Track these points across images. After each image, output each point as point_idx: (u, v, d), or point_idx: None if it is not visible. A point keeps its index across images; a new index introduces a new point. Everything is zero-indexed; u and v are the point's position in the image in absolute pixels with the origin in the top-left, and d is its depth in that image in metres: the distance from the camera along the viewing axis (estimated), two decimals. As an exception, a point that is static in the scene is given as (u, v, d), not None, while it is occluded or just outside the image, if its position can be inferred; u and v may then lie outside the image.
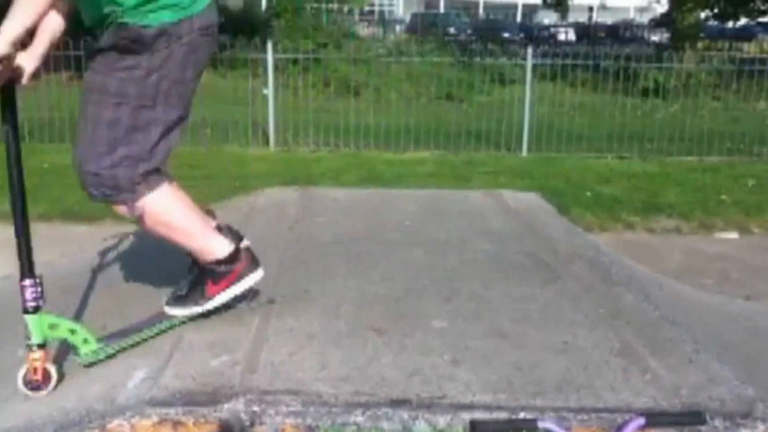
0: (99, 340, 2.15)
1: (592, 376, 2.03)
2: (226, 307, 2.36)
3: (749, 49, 22.50)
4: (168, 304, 2.32)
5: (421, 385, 1.97)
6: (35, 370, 2.02)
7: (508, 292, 2.70)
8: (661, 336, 2.34)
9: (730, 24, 27.83)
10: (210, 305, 2.30)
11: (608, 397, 1.92)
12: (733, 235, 5.85)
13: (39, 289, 2.04)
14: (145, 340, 2.22)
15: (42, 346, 2.03)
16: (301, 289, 2.66)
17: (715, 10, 22.16)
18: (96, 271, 2.97)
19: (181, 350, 2.13)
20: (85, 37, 9.17)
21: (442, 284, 2.76)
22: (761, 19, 28.28)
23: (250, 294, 2.43)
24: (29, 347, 2.02)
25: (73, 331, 2.10)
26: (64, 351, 2.19)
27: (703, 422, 1.50)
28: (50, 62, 9.14)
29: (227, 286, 2.30)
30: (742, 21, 26.99)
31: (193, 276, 2.34)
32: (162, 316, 2.31)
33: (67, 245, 4.45)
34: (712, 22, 25.25)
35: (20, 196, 2.06)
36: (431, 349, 2.19)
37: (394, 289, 2.69)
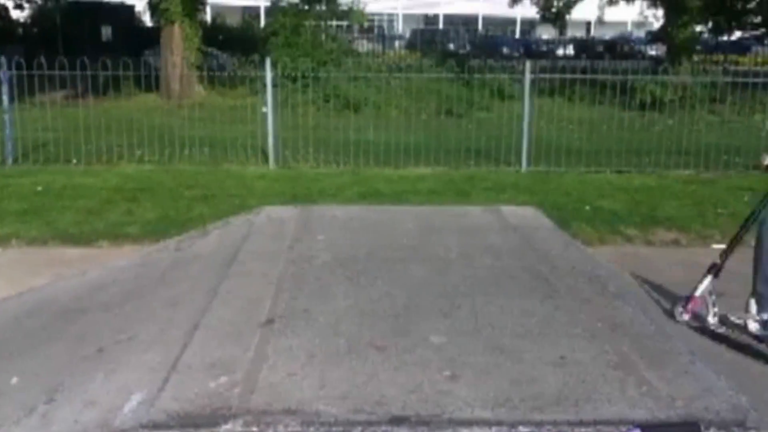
0: None
1: (589, 389, 2.05)
2: (225, 326, 2.37)
3: (744, 62, 22.62)
4: None
5: (420, 401, 1.98)
6: None
7: (507, 307, 2.71)
8: (657, 348, 2.36)
9: (725, 37, 28.01)
10: None
11: (605, 410, 1.93)
12: (732, 247, 5.87)
13: None
14: None
15: None
16: (300, 307, 2.67)
17: (710, 24, 22.33)
18: (94, 294, 2.98)
19: (179, 372, 2.14)
20: (81, 58, 9.26)
21: (442, 300, 2.77)
22: (755, 33, 28.50)
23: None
24: None
25: None
26: (54, 375, 2.20)
27: None
28: (45, 83, 9.20)
29: None
30: (737, 34, 27.20)
31: None
32: None
33: (62, 268, 4.46)
34: (708, 36, 25.39)
35: None
36: (430, 365, 2.20)
37: (394, 306, 2.70)
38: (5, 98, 8.72)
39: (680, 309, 3.20)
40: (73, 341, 2.42)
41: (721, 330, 3.14)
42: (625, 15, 44.00)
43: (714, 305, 3.18)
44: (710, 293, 3.21)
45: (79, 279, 3.47)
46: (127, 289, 3.00)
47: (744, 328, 3.15)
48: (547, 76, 10.89)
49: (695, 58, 18.65)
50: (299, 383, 2.06)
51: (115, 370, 2.26)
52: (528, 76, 9.31)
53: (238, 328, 2.39)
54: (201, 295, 2.76)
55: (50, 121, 9.09)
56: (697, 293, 3.19)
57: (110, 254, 3.66)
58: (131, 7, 26.70)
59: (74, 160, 8.62)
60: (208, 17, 27.04)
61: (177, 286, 2.97)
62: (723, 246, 6.01)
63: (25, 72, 8.75)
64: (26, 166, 8.41)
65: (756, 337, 3.11)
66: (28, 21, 26.37)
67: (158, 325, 2.38)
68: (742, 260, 5.46)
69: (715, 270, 3.28)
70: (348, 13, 22.68)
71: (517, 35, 46.72)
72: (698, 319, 3.25)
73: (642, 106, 11.84)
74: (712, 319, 3.19)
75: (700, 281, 3.27)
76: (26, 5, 25.43)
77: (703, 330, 3.17)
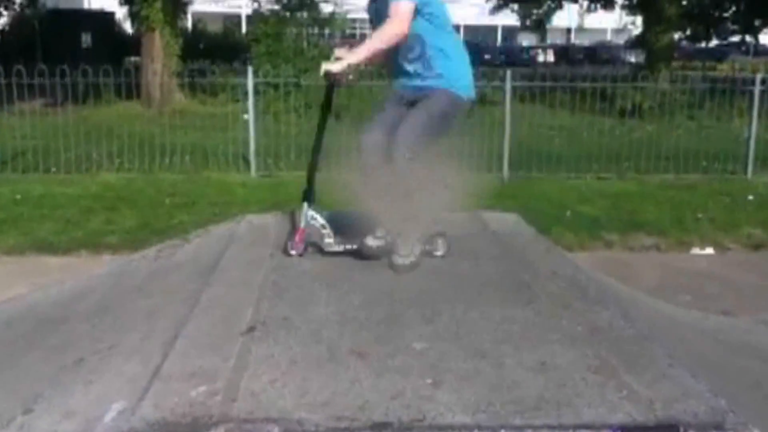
0: None
1: (570, 393, 2.06)
2: (206, 334, 2.36)
3: (722, 68, 22.91)
4: None
5: (402, 408, 1.98)
6: None
7: (488, 312, 2.73)
8: (636, 352, 2.38)
9: (703, 44, 28.41)
10: None
11: (586, 414, 1.94)
12: (709, 251, 5.93)
13: None
14: None
15: None
16: (281, 315, 2.67)
17: (688, 31, 22.58)
18: (73, 303, 2.96)
19: (160, 380, 2.13)
20: (61, 65, 9.22)
21: (423, 306, 2.77)
22: (733, 40, 28.97)
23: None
24: None
25: None
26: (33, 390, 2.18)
27: None
28: (24, 91, 9.06)
29: None
30: (715, 41, 27.60)
31: None
32: None
33: (41, 278, 4.40)
34: (686, 43, 25.71)
35: None
36: (412, 372, 2.20)
37: (375, 313, 2.70)
38: (-18, 106, 8.62)
39: (290, 244, 3.32)
40: (52, 351, 2.39)
41: (338, 248, 3.29)
42: (604, 22, 44.51)
43: (324, 227, 3.27)
44: (313, 218, 3.29)
45: (58, 288, 3.44)
46: (106, 299, 2.98)
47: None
48: (528, 84, 10.95)
49: (674, 64, 18.85)
50: (281, 391, 2.05)
51: (94, 380, 2.24)
52: (509, 84, 9.36)
53: (219, 337, 2.38)
54: (182, 304, 2.74)
55: (29, 130, 8.99)
56: (302, 225, 3.29)
57: (90, 263, 3.61)
58: (111, 14, 26.51)
59: (53, 169, 8.55)
60: (189, 24, 26.93)
61: (157, 295, 2.95)
62: (704, 252, 6.13)
63: (2, 80, 8.67)
64: (4, 174, 8.31)
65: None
66: (6, 28, 26.10)
67: (139, 335, 2.37)
68: (736, 263, 5.54)
69: (308, 196, 3.36)
70: (330, 21, 22.67)
71: (499, 42, 47.00)
72: (314, 245, 3.33)
73: (622, 113, 11.92)
74: (327, 240, 3.28)
75: (300, 213, 3.35)
76: (4, 12, 25.20)
77: (322, 252, 3.32)
